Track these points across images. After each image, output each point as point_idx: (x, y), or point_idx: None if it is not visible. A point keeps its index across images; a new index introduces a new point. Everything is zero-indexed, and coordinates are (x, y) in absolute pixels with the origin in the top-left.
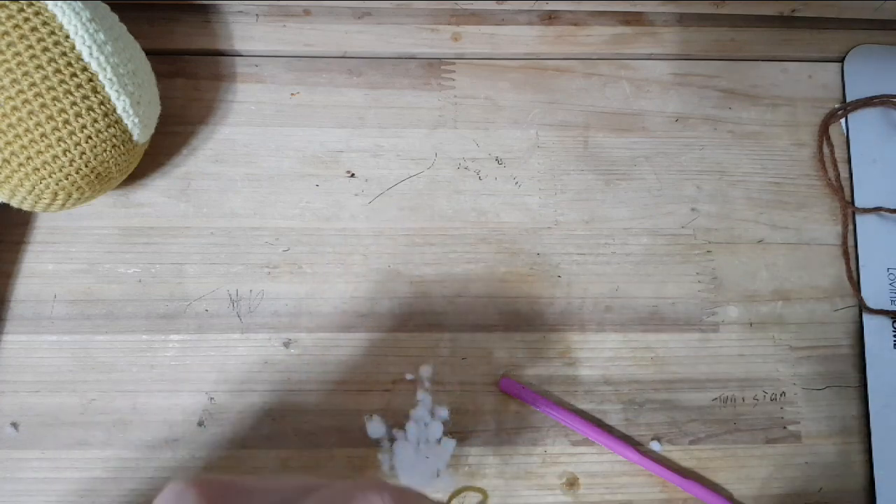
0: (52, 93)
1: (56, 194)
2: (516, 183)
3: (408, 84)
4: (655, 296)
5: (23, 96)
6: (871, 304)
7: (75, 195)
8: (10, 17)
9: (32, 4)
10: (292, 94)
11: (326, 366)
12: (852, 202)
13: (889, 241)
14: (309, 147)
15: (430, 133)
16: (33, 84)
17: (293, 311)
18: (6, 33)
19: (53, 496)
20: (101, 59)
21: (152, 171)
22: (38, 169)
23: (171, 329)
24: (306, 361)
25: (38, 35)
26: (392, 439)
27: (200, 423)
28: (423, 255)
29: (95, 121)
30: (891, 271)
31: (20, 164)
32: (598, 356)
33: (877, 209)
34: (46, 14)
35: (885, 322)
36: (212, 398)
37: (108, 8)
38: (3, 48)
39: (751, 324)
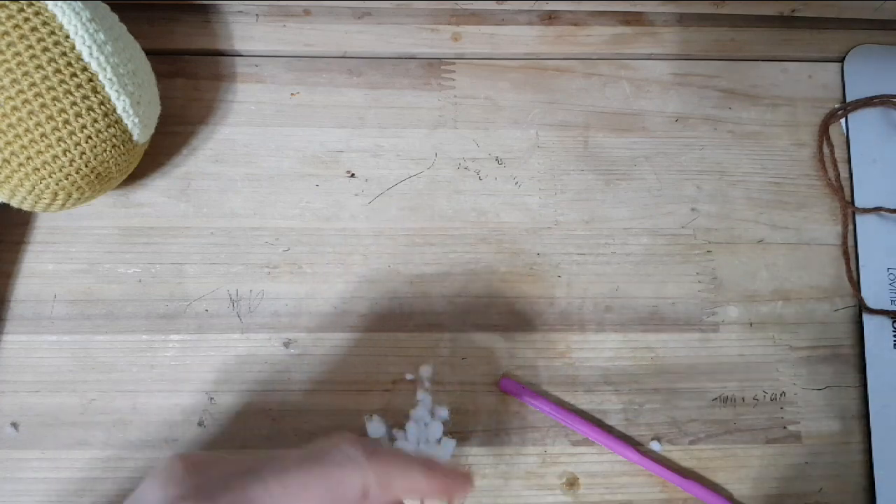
0: (52, 93)
1: (56, 194)
2: (516, 183)
3: (408, 84)
4: (655, 296)
5: (23, 96)
6: (871, 304)
7: (75, 195)
8: (10, 17)
9: (32, 4)
10: (292, 94)
11: (326, 366)
12: (852, 202)
13: (889, 241)
14: (309, 147)
15: (430, 133)
16: (33, 84)
17: (293, 311)
18: (6, 33)
19: (53, 496)
20: (101, 59)
21: (152, 171)
22: (38, 169)
23: (171, 329)
24: (306, 361)
25: (38, 35)
26: (392, 439)
27: (200, 423)
28: (423, 255)
29: (95, 121)
30: (891, 271)
31: (20, 164)
32: (598, 356)
33: (877, 209)
34: (46, 14)
35: (885, 322)
36: (212, 398)
37: (108, 8)
38: (3, 48)
39: (751, 324)
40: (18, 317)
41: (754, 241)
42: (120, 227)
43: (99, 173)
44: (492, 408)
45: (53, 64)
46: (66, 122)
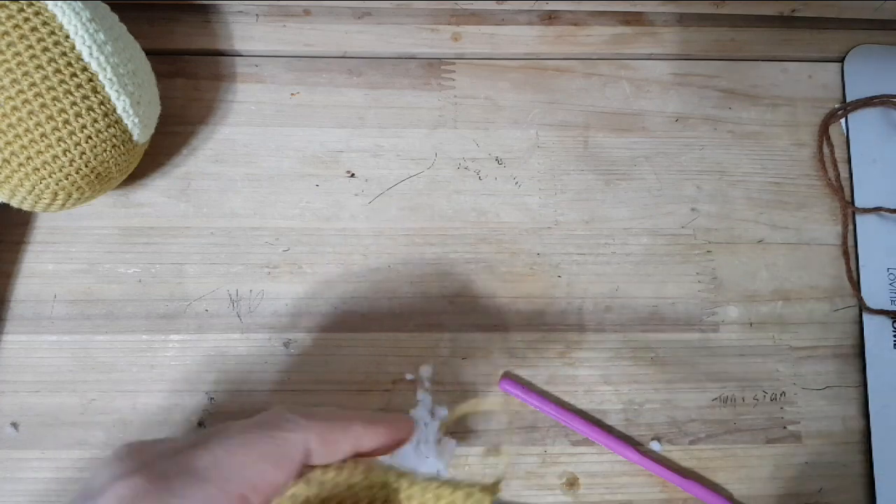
0: (52, 93)
1: (56, 194)
2: (516, 183)
3: (408, 84)
4: (655, 296)
5: (23, 96)
6: (871, 304)
7: (75, 195)
8: (10, 17)
9: (32, 4)
10: (292, 94)
11: (326, 366)
12: (852, 202)
13: (889, 241)
14: (309, 147)
15: (430, 133)
16: (33, 84)
17: (293, 311)
18: (6, 33)
19: (53, 496)
20: (101, 59)
21: (152, 171)
22: (38, 169)
23: (171, 329)
24: (306, 361)
25: (38, 35)
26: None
27: (200, 423)
28: (423, 255)
29: (95, 121)
30: (891, 271)
31: (20, 164)
32: (598, 356)
33: (877, 209)
34: (46, 14)
35: (885, 322)
36: (212, 398)
37: (108, 8)
38: (3, 48)
39: (751, 324)
40: (18, 317)
41: (754, 241)
42: (120, 227)
43: (99, 173)
44: (492, 408)
45: (53, 64)
46: (66, 122)
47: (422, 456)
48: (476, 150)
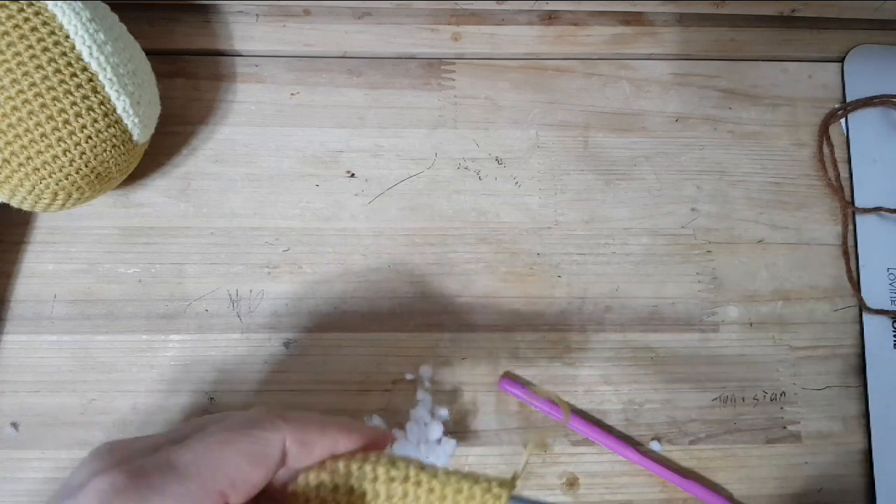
0: (52, 93)
1: (56, 194)
2: (516, 183)
3: (408, 84)
4: (655, 296)
5: (23, 96)
6: (871, 304)
7: (75, 195)
8: (10, 17)
9: (32, 4)
10: (292, 94)
11: (326, 366)
12: (852, 202)
13: (889, 241)
14: (309, 147)
15: (430, 133)
16: (33, 84)
17: (293, 311)
18: (6, 33)
19: None
20: (101, 59)
21: (152, 171)
22: (38, 169)
23: (171, 329)
24: (306, 361)
25: (38, 35)
26: (392, 439)
27: None
28: (423, 255)
29: (95, 121)
30: (891, 271)
31: (20, 164)
32: (598, 356)
33: (877, 209)
34: (46, 14)
35: (885, 322)
36: (212, 398)
37: (108, 8)
38: (3, 48)
39: (751, 324)
40: (18, 317)
41: (754, 241)
42: (120, 227)
43: (99, 173)
44: (492, 408)
45: (53, 64)
46: (66, 122)
47: (422, 456)
48: (476, 150)
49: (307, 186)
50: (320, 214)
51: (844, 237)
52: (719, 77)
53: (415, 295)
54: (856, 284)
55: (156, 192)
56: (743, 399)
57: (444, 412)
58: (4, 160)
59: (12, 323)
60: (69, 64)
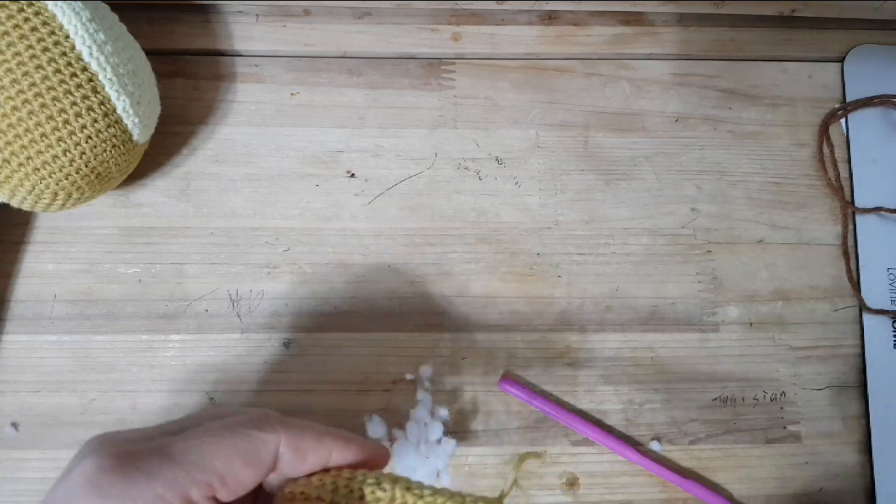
0: (52, 93)
1: (56, 194)
2: (516, 183)
3: (408, 84)
4: (655, 296)
5: (23, 96)
6: (871, 304)
7: (75, 195)
8: (10, 17)
9: (32, 4)
10: (292, 94)
11: (326, 366)
12: (852, 202)
13: (889, 241)
14: (309, 147)
15: (430, 133)
16: (33, 84)
17: (293, 311)
18: (6, 33)
19: None
20: (101, 59)
21: (152, 171)
22: (38, 169)
23: (171, 329)
24: (306, 361)
25: (38, 35)
26: (392, 439)
27: None
28: (423, 255)
29: (95, 121)
30: (891, 271)
31: (20, 164)
32: (598, 356)
33: (877, 209)
34: (46, 14)
35: (885, 322)
36: (212, 398)
37: (108, 8)
38: (3, 48)
39: (751, 324)
40: (18, 317)
41: (754, 241)
42: (120, 227)
43: (99, 173)
44: (492, 408)
45: (53, 64)
46: (66, 122)
47: (422, 456)
48: (476, 150)
49: (307, 186)
50: (320, 214)
51: (844, 237)
52: (719, 77)
53: (415, 295)
54: (856, 284)
55: (156, 192)
56: (743, 399)
57: (444, 412)
58: (4, 160)
59: (12, 323)
60: (69, 64)
